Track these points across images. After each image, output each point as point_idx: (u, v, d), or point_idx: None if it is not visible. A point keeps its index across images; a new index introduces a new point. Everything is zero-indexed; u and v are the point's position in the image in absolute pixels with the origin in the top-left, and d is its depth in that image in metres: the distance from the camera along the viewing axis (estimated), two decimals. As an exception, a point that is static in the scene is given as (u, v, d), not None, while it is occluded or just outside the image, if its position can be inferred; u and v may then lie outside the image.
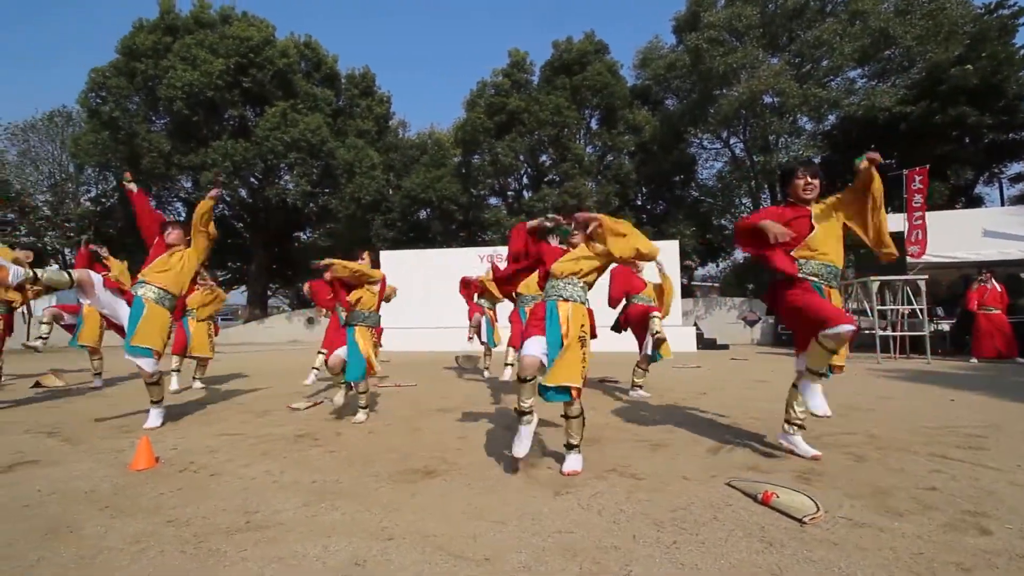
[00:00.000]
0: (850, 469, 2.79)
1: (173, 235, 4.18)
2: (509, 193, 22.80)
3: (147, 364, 3.88)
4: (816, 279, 2.91)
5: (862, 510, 2.21)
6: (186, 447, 3.45)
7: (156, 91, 18.14)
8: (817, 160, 18.53)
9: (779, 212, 3.08)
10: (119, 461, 3.10)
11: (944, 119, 14.69)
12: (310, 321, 19.71)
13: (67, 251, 20.49)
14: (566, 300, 2.90)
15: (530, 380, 2.79)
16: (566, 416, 2.82)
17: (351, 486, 2.63)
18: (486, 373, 7.14)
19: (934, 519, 2.11)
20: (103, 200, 21.95)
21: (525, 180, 22.65)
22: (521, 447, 2.77)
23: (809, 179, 3.00)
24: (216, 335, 6.69)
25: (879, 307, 10.11)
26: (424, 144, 22.96)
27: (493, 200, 22.90)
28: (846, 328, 2.63)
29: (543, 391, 2.71)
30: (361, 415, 4.25)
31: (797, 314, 2.92)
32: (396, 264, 15.25)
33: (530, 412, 2.82)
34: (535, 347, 2.80)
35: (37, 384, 6.27)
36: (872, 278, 9.80)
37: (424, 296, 14.09)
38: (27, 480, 2.77)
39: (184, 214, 23.61)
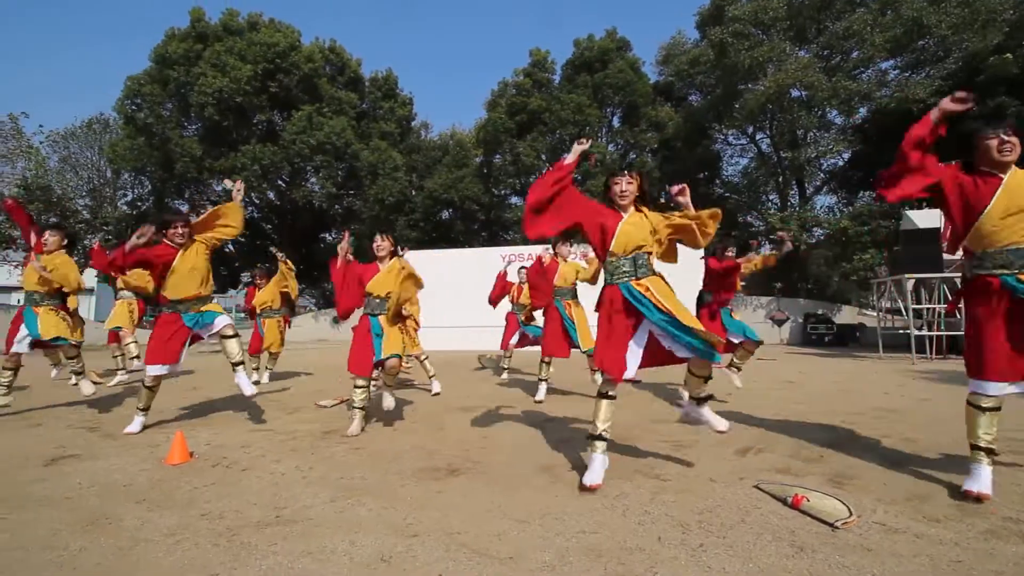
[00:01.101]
0: (885, 473, 2.70)
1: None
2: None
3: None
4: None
5: (897, 516, 2.14)
6: (219, 443, 3.56)
7: (188, 97, 18.68)
8: (847, 155, 18.03)
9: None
10: (155, 456, 3.21)
11: (982, 110, 14.09)
12: (336, 320, 20.04)
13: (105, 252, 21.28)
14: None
15: (612, 398, 2.62)
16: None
17: (376, 483, 2.67)
18: (505, 375, 7.17)
19: (974, 526, 2.03)
20: (139, 204, 22.72)
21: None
22: (594, 476, 2.51)
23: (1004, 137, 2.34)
24: (288, 327, 7.00)
25: (914, 306, 9.77)
26: (446, 145, 23.11)
27: (515, 199, 22.92)
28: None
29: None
30: (389, 400, 4.20)
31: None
32: (419, 264, 15.41)
33: (602, 438, 2.60)
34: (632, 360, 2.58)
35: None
36: (907, 276, 9.47)
37: (447, 296, 14.18)
38: (69, 473, 2.90)
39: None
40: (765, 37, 16.68)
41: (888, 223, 14.41)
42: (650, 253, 2.77)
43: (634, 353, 2.62)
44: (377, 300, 3.98)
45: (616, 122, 21.93)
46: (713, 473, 2.74)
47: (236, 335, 4.07)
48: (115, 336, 7.03)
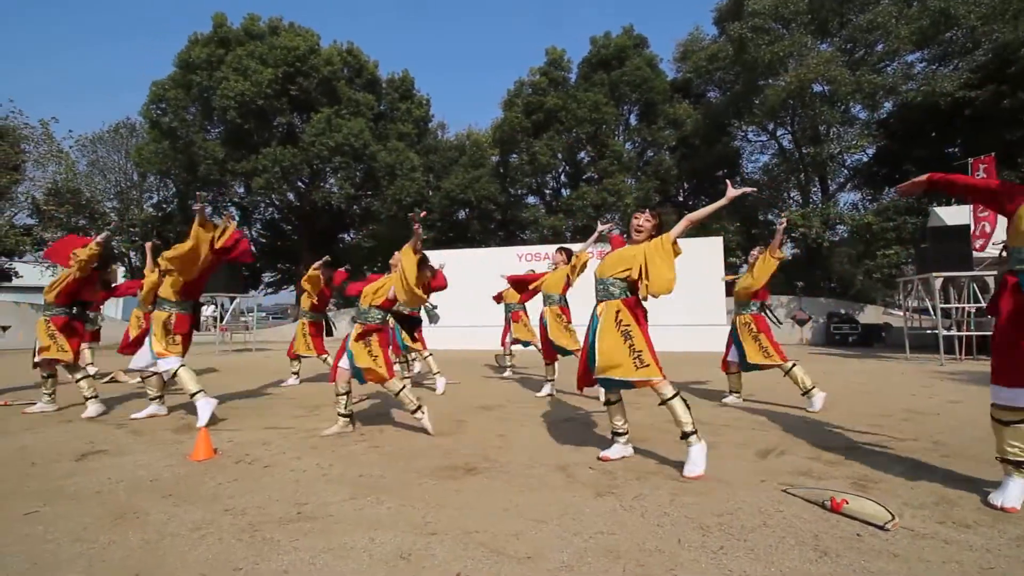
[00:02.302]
0: (913, 477, 2.64)
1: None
2: (547, 192, 22.73)
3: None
4: None
5: (925, 520, 2.09)
6: (241, 440, 3.63)
7: (211, 101, 19.08)
8: (872, 151, 17.59)
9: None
10: (180, 452, 3.29)
11: (1013, 103, 13.62)
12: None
13: (132, 254, 21.84)
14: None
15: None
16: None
17: (395, 481, 2.70)
18: (508, 372, 7.45)
19: (1005, 532, 1.97)
20: (164, 206, 23.29)
21: (563, 178, 22.52)
22: (697, 467, 2.74)
23: None
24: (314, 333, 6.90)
25: (943, 305, 9.50)
26: (462, 145, 23.19)
27: (531, 199, 22.90)
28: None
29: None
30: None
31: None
32: (437, 264, 15.57)
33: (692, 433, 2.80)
34: None
35: (112, 379, 6.77)
36: (935, 274, 9.21)
37: (464, 296, 14.25)
38: (98, 468, 2.98)
39: (238, 217, 24.81)
40: (786, 31, 16.37)
41: (915, 219, 14.03)
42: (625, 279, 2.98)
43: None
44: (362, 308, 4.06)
45: (633, 120, 21.76)
46: (733, 475, 2.70)
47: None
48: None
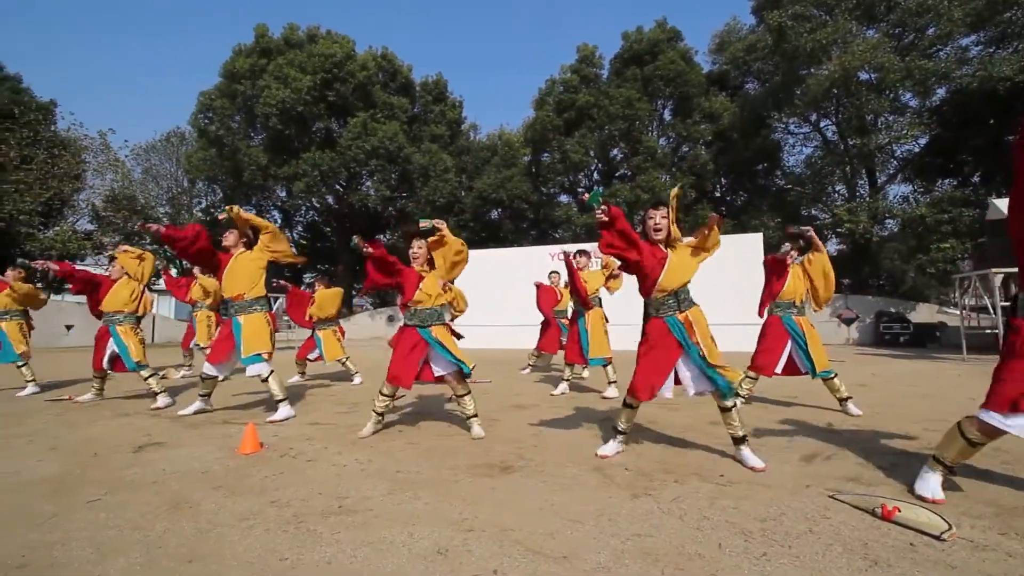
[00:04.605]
0: (971, 486, 2.49)
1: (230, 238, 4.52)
2: (580, 190, 22.58)
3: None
4: None
5: (985, 531, 1.98)
6: (286, 434, 3.76)
7: (254, 109, 19.83)
8: (924, 140, 16.68)
9: None
10: (228, 445, 3.44)
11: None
12: (390, 319, 20.67)
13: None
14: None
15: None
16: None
17: (432, 478, 2.74)
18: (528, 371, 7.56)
19: (1079, 546, 1.84)
20: (212, 210, 24.39)
21: (596, 176, 22.33)
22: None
23: None
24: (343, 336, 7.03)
25: (1003, 303, 8.93)
26: (494, 145, 23.31)
27: (563, 198, 22.80)
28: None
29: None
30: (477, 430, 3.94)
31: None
32: (470, 264, 15.72)
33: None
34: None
35: (164, 376, 7.15)
36: (994, 270, 8.67)
37: (497, 295, 14.31)
38: (154, 460, 3.15)
39: (280, 220, 25.73)
40: (829, 18, 15.71)
41: (972, 212, 13.23)
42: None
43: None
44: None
45: (667, 115, 21.35)
46: (776, 479, 2.62)
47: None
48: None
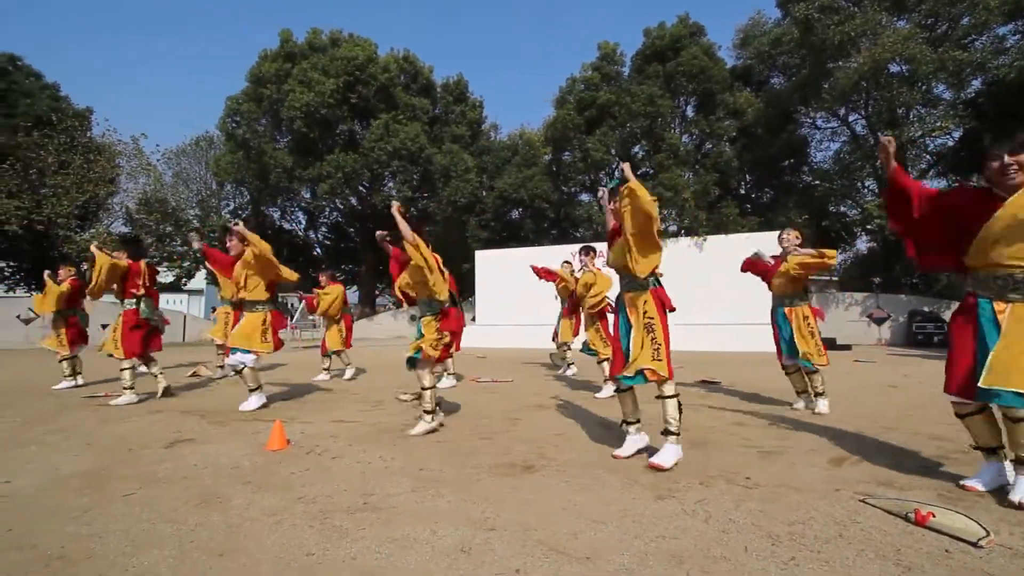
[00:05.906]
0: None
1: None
2: (601, 188, 22.41)
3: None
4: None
5: (1028, 539, 1.90)
6: (312, 432, 3.83)
7: (279, 113, 20.24)
8: (958, 133, 16.08)
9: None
10: (256, 442, 3.52)
11: None
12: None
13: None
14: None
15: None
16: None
17: (454, 476, 2.76)
18: (568, 370, 7.29)
19: None
20: (239, 212, 24.99)
21: (616, 175, 22.11)
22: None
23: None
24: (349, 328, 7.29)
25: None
26: (515, 145, 23.30)
27: (584, 196, 22.65)
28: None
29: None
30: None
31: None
32: (491, 263, 15.86)
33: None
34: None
35: (195, 374, 7.36)
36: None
37: (518, 294, 14.33)
38: (185, 455, 3.24)
39: (304, 222, 26.25)
40: (857, 9, 15.26)
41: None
42: None
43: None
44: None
45: (690, 111, 21.02)
46: (804, 483, 2.56)
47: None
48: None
